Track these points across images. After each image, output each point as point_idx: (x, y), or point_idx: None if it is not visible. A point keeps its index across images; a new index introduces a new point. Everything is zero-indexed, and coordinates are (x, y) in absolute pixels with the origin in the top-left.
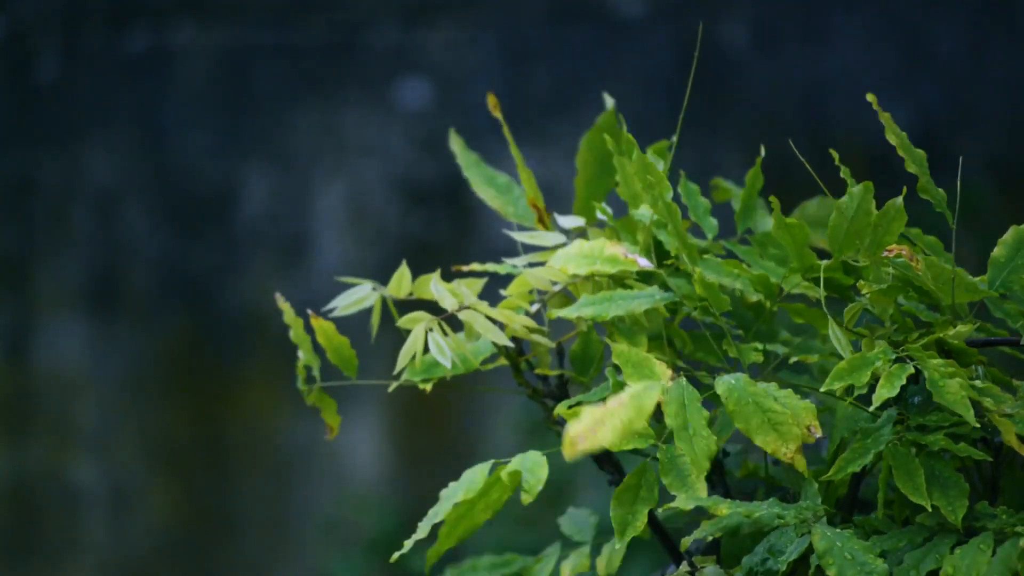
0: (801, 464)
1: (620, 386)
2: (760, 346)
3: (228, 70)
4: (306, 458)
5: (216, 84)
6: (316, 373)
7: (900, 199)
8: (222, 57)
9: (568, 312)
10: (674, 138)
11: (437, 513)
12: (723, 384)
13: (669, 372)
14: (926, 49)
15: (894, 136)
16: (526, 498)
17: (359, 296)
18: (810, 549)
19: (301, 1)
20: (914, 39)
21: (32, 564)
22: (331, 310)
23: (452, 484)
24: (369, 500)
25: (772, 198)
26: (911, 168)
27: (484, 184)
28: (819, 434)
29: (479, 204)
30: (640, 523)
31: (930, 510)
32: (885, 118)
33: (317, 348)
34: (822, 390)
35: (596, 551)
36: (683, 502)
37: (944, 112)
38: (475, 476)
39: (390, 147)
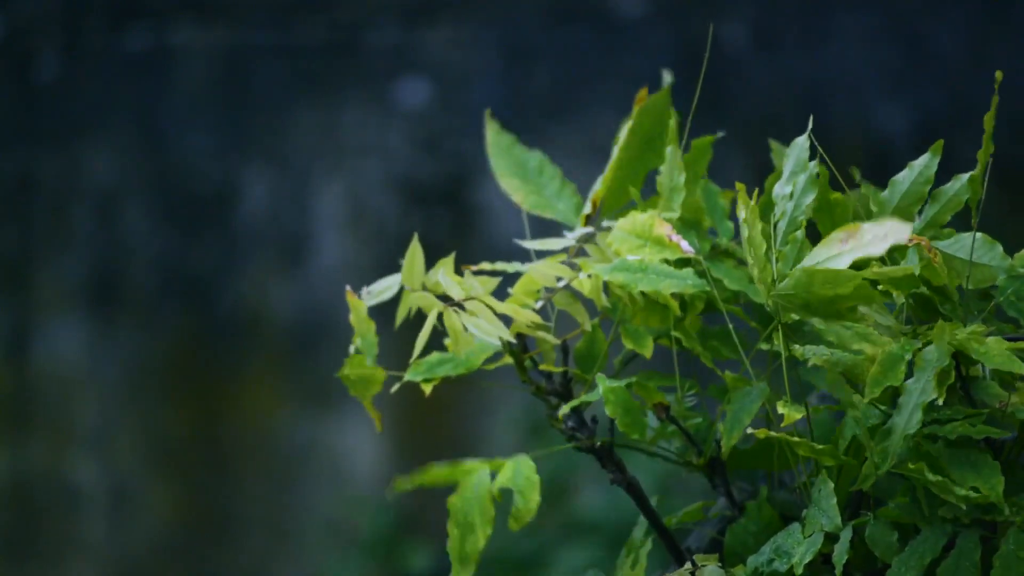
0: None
1: (610, 391)
2: (800, 346)
3: (228, 70)
4: (306, 458)
5: (216, 84)
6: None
7: (969, 175)
8: (222, 57)
9: (599, 272)
10: (693, 136)
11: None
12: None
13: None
14: (926, 49)
15: (989, 122)
16: (514, 525)
17: (387, 285)
18: (823, 551)
19: (301, 1)
20: (914, 39)
21: (32, 564)
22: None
23: (459, 502)
24: (368, 501)
25: (820, 168)
26: (981, 157)
27: (510, 172)
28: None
29: (479, 204)
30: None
31: (964, 507)
32: (994, 102)
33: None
34: (866, 401)
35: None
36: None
37: (944, 112)
38: (482, 499)
39: (390, 147)
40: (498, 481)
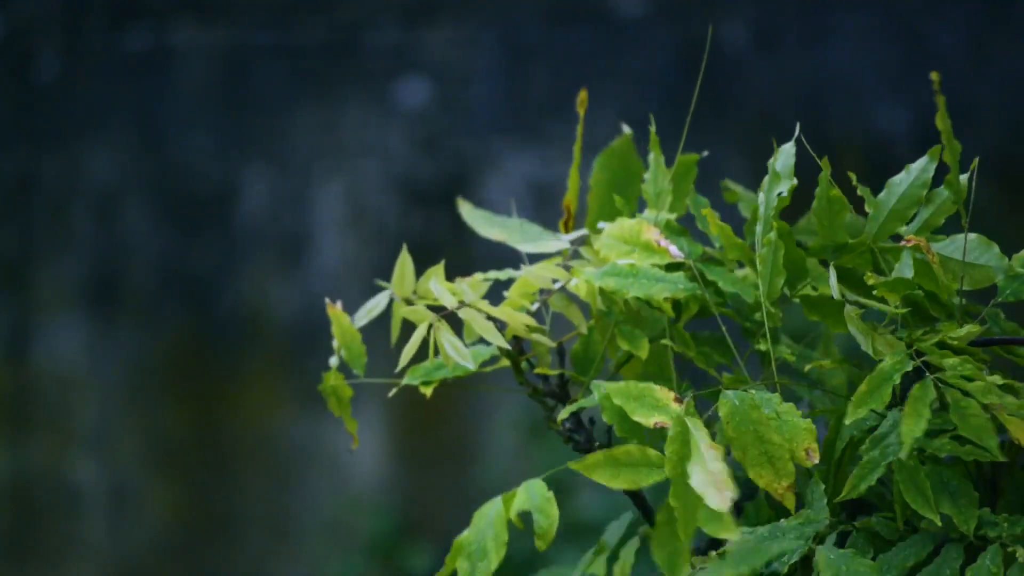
0: (790, 502)
1: (606, 398)
2: (793, 346)
3: (228, 70)
4: (306, 458)
5: (216, 84)
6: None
7: (967, 175)
8: (222, 57)
9: (590, 277)
10: (693, 152)
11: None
12: (726, 404)
13: (673, 396)
14: (926, 49)
15: (942, 122)
16: (541, 544)
17: (374, 305)
18: (812, 552)
19: (301, 1)
20: (914, 39)
21: (32, 564)
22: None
23: (470, 535)
24: (369, 501)
25: (823, 160)
26: (947, 158)
27: (489, 227)
28: (816, 459)
29: (479, 204)
30: (685, 564)
31: (940, 524)
32: (940, 101)
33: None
34: (847, 422)
35: (615, 558)
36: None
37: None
38: (495, 525)
39: (390, 147)
40: (515, 506)
